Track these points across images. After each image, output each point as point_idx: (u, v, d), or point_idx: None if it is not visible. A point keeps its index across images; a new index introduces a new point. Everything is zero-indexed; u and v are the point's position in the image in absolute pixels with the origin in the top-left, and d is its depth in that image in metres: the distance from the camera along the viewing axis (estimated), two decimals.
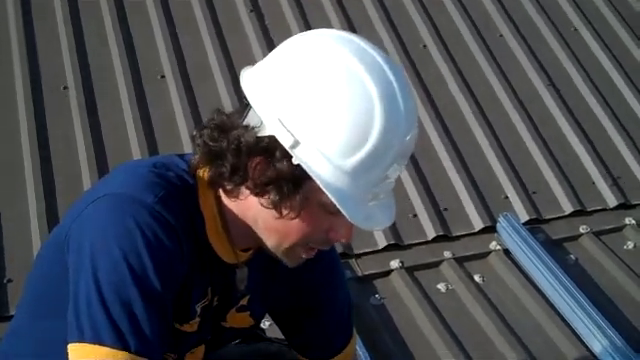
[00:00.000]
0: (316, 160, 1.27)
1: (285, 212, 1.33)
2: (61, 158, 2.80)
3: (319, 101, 1.27)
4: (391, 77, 1.30)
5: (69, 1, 3.29)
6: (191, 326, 1.48)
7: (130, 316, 1.27)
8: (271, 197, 1.32)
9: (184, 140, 2.92)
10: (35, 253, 2.50)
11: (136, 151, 2.86)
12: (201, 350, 1.59)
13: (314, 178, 1.28)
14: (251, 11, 3.47)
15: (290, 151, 1.27)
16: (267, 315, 2.48)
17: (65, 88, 3.01)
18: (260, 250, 1.48)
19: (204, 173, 1.40)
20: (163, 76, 3.16)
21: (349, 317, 1.73)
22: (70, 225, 1.37)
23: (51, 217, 2.60)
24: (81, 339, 1.26)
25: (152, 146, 2.90)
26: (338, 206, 1.28)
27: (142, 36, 3.28)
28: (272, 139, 1.29)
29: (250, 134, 1.31)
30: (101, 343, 1.25)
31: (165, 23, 3.33)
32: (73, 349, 1.27)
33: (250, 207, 1.38)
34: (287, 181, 1.30)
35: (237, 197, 1.38)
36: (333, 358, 1.72)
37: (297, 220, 1.34)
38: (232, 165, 1.33)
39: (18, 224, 2.60)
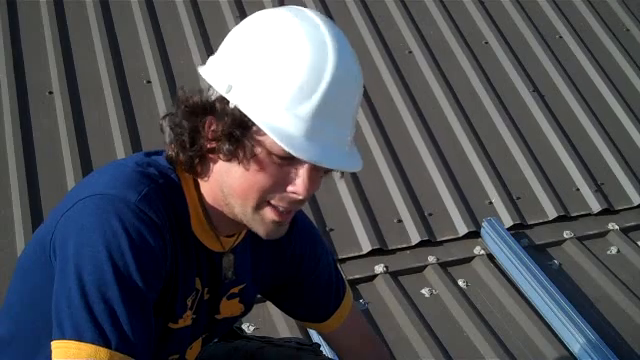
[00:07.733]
0: (250, 99, 1.31)
1: (240, 158, 1.35)
2: (46, 162, 2.80)
3: (248, 47, 1.34)
4: (321, 25, 1.33)
5: (55, 6, 3.29)
6: (184, 320, 1.49)
7: (112, 314, 1.28)
8: (225, 147, 1.35)
9: None
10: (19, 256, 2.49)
11: (122, 157, 2.85)
12: (198, 344, 1.61)
13: (250, 116, 1.30)
14: (238, 17, 3.46)
15: (226, 96, 1.33)
16: (250, 321, 2.49)
17: (50, 93, 3.01)
18: (245, 235, 1.51)
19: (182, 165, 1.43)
20: (149, 81, 3.16)
21: (337, 275, 1.75)
22: (55, 226, 1.37)
23: (35, 220, 2.59)
24: (62, 336, 1.27)
25: (138, 151, 2.90)
26: (272, 136, 1.29)
27: (128, 41, 3.28)
28: (218, 96, 1.35)
29: (197, 97, 1.38)
30: (82, 340, 1.26)
31: (151, 28, 3.33)
32: (55, 346, 1.28)
33: (217, 179, 1.40)
34: (234, 127, 1.33)
35: (207, 175, 1.41)
36: (333, 315, 1.74)
37: (252, 172, 1.35)
38: (189, 131, 1.38)
39: (2, 227, 2.59)
